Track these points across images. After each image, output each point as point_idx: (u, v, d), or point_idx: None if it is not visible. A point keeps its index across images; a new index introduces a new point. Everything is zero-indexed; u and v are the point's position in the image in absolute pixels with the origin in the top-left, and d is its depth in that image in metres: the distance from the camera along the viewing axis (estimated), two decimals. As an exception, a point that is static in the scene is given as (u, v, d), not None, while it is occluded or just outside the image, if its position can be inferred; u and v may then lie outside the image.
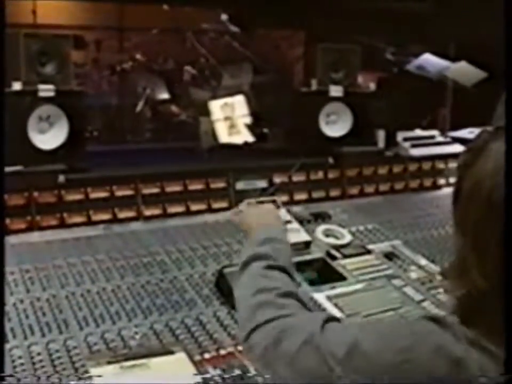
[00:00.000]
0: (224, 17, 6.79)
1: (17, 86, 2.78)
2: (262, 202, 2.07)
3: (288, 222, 2.86)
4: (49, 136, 2.89)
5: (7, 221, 2.51)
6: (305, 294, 2.45)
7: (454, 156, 3.48)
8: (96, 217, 2.71)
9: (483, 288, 1.07)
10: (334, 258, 2.73)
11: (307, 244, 2.78)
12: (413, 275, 2.67)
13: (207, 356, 2.04)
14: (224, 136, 4.71)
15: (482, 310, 1.10)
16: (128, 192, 2.79)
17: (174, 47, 7.54)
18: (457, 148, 3.68)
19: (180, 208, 2.88)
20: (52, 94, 2.84)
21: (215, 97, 5.68)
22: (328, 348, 1.18)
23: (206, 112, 4.96)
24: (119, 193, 2.78)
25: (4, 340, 1.83)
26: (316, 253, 2.76)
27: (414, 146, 3.64)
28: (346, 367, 1.13)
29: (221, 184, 2.99)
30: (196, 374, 1.91)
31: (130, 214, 2.78)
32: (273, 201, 2.95)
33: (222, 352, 2.07)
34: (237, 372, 1.98)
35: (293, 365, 1.23)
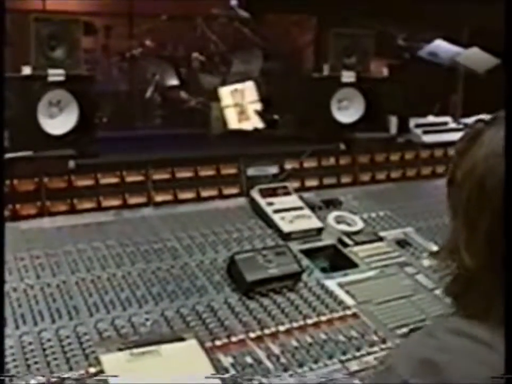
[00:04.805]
0: (234, 2, 6.75)
1: (27, 70, 2.76)
2: None
3: (300, 208, 2.85)
4: (59, 121, 2.87)
5: (18, 206, 2.50)
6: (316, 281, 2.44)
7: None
8: (106, 203, 2.70)
9: (470, 267, 1.11)
10: (345, 245, 2.71)
11: (319, 231, 2.76)
12: (425, 262, 2.65)
13: (218, 343, 2.03)
14: (233, 123, 4.68)
15: (470, 287, 1.14)
16: (139, 178, 2.78)
17: (184, 33, 7.50)
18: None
19: (190, 194, 2.86)
20: (61, 78, 2.82)
21: (225, 83, 5.65)
22: None
23: (216, 98, 4.93)
24: (130, 179, 2.76)
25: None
26: (327, 240, 2.75)
27: (426, 132, 3.61)
28: None
29: (232, 170, 2.96)
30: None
31: (141, 200, 2.76)
32: (285, 187, 2.94)
33: (233, 339, 2.06)
34: (248, 359, 1.97)
35: None
